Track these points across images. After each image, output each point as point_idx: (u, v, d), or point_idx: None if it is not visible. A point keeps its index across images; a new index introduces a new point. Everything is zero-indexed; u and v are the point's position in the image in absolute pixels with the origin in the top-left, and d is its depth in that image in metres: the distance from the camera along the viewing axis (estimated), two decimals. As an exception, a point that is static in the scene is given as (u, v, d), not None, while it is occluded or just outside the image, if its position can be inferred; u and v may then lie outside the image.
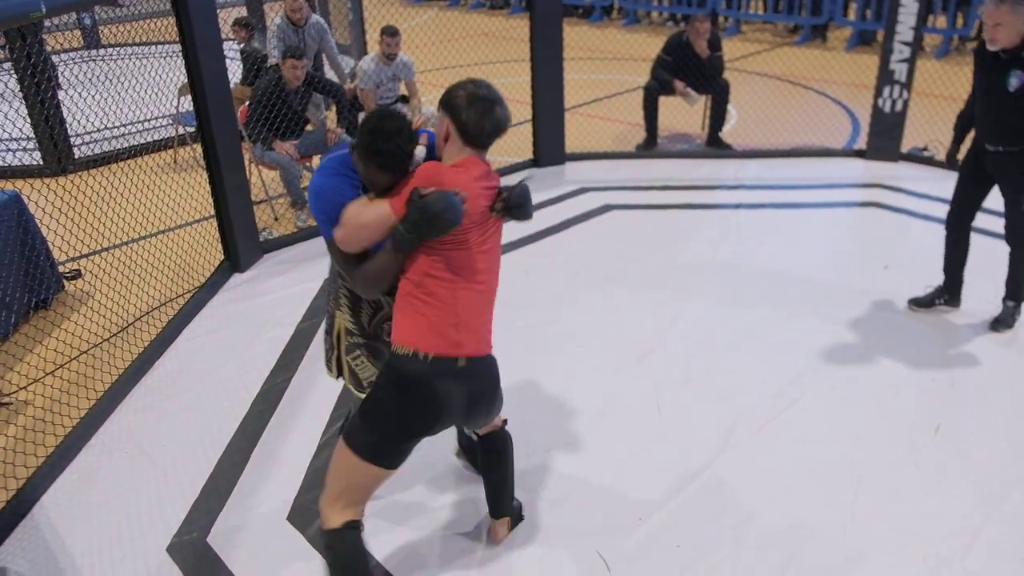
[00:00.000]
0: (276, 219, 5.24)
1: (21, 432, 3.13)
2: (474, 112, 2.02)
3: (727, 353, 3.59)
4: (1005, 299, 3.71)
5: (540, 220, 5.07)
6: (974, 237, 3.74)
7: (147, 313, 4.03)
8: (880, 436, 3.02)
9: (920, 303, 3.84)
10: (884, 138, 5.79)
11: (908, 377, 3.39)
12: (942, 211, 3.54)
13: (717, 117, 6.22)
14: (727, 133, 6.41)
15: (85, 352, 3.66)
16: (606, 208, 5.24)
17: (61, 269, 4.37)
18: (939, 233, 3.85)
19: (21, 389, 3.41)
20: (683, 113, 6.47)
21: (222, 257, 4.56)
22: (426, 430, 2.11)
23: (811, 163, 5.91)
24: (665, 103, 6.29)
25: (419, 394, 2.06)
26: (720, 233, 4.85)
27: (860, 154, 5.97)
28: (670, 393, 3.32)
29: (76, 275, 4.44)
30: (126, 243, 4.55)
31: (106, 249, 4.30)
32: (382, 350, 2.40)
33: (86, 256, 4.32)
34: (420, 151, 2.10)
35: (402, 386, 2.06)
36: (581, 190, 5.53)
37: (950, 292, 3.81)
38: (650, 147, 6.31)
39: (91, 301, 4.13)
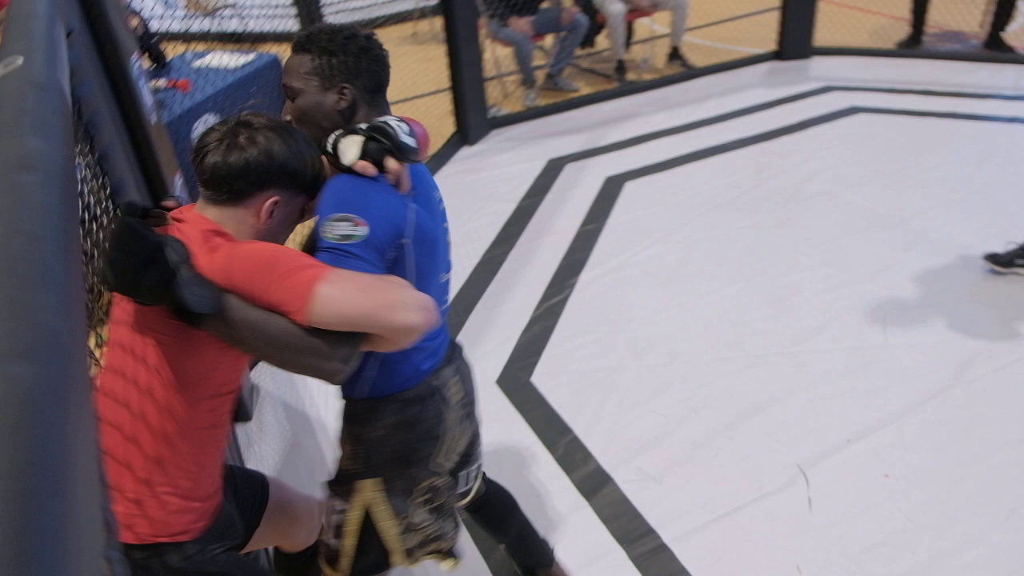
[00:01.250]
0: (505, 96, 5.33)
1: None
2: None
3: (970, 285, 3.24)
4: None
5: (776, 118, 4.75)
6: None
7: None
8: None
9: None
10: None
11: None
12: None
13: (1002, 13, 5.36)
14: (1012, 33, 5.52)
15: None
16: (852, 110, 4.79)
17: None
18: None
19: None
20: (959, 6, 5.65)
21: (453, 130, 4.74)
22: None
23: (1118, 75, 5.00)
24: (940, -6, 5.53)
25: None
26: (986, 149, 4.29)
27: None
28: (899, 318, 3.07)
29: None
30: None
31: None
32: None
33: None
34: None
35: None
36: (826, 88, 5.08)
37: None
38: (914, 45, 5.61)
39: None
